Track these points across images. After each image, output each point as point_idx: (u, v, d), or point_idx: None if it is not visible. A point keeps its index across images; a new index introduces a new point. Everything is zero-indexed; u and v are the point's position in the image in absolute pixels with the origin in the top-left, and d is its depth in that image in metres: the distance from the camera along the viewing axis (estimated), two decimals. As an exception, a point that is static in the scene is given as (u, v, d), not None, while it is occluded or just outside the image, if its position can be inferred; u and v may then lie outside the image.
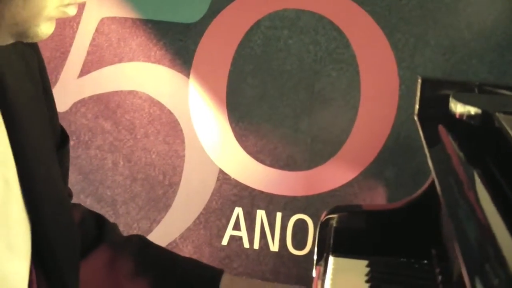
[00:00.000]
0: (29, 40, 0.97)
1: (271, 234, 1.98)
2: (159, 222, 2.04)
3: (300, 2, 1.90)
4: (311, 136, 1.96)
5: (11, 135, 1.05)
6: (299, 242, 1.94)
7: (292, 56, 1.92)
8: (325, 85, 1.91)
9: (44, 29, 0.94)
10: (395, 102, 1.86)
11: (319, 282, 1.36)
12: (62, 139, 1.20)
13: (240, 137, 1.99)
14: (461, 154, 1.19)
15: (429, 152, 1.24)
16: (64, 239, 1.14)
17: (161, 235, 2.03)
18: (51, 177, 1.13)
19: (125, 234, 1.38)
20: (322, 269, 1.41)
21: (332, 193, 1.91)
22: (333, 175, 1.93)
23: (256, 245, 1.99)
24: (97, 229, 1.27)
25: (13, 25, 0.93)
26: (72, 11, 0.94)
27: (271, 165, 1.96)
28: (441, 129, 1.29)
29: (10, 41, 0.96)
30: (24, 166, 1.07)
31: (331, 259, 1.41)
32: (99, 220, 1.28)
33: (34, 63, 1.11)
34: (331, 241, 1.44)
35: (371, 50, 1.89)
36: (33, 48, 1.07)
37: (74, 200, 1.31)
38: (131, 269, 1.25)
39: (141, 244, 1.29)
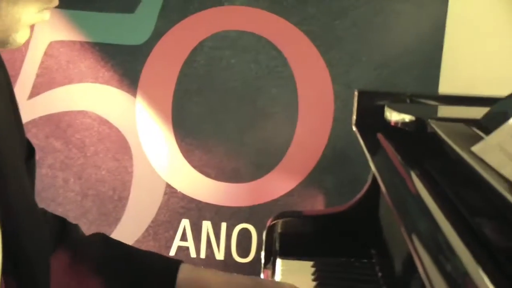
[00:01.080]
0: (8, 47, 0.99)
1: (216, 243, 2.03)
2: (109, 235, 2.07)
3: (241, 23, 1.95)
4: (254, 149, 2.01)
5: None
6: (243, 250, 1.99)
7: (234, 74, 1.97)
8: (266, 101, 1.97)
9: (22, 36, 0.97)
10: (331, 116, 1.93)
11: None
12: (29, 150, 1.23)
13: (186, 152, 2.03)
14: (399, 156, 1.28)
15: (371, 157, 1.34)
16: (36, 246, 1.16)
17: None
18: (22, 187, 1.15)
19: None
20: (270, 272, 1.48)
21: (275, 202, 1.97)
22: (275, 186, 1.99)
23: (202, 255, 2.04)
24: (59, 230, 1.28)
25: None
26: (47, 16, 0.97)
27: (216, 178, 2.01)
28: (380, 136, 1.38)
29: None
30: None
31: (278, 261, 1.49)
32: (61, 222, 1.29)
33: (1, 76, 1.14)
34: (277, 244, 1.51)
35: (307, 67, 1.96)
36: None
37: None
38: (89, 267, 1.26)
39: (101, 241, 1.30)
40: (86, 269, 1.24)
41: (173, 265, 1.22)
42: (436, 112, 1.52)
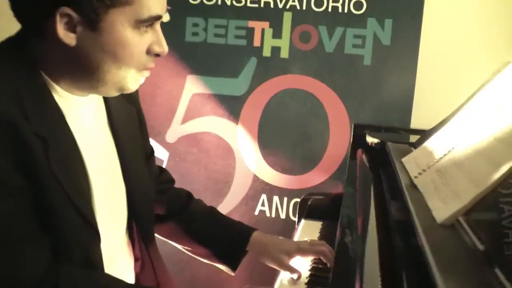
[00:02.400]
0: (125, 92, 1.15)
1: (281, 209, 2.58)
2: (221, 203, 2.62)
3: (297, 84, 2.54)
4: (303, 156, 2.55)
5: (116, 142, 1.27)
6: (295, 213, 2.37)
7: (292, 111, 2.56)
8: (311, 127, 2.55)
9: (133, 84, 1.13)
10: (348, 136, 2.41)
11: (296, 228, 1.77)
12: (150, 152, 1.46)
13: (265, 156, 2.59)
14: (364, 160, 1.63)
15: (350, 160, 1.81)
16: (145, 205, 1.34)
17: (227, 206, 2.61)
18: (139, 174, 1.32)
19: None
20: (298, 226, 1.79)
21: (313, 187, 2.52)
22: (314, 178, 2.55)
23: (273, 215, 2.59)
24: (185, 200, 1.52)
25: (113, 84, 1.12)
26: (147, 73, 1.14)
27: (281, 172, 2.58)
28: (359, 150, 1.78)
29: (115, 93, 1.16)
30: (124, 162, 1.28)
31: (302, 221, 1.84)
32: (188, 196, 1.55)
33: (133, 110, 1.35)
34: (304, 211, 1.86)
35: (333, 108, 2.52)
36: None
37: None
38: (193, 227, 1.48)
39: (206, 210, 1.53)
40: (190, 229, 1.48)
41: (249, 229, 1.48)
42: (397, 138, 1.73)
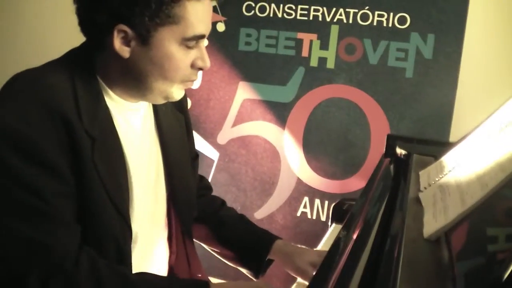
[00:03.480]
0: (170, 100, 1.24)
1: (321, 211, 2.67)
2: (265, 201, 2.71)
3: (340, 93, 2.62)
4: (345, 162, 2.63)
5: (162, 145, 1.36)
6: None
7: (336, 119, 2.63)
8: (353, 135, 2.61)
9: (177, 94, 1.23)
10: None
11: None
12: (195, 155, 1.53)
13: (308, 161, 2.67)
14: (391, 173, 1.56)
15: (378, 166, 1.77)
16: (187, 203, 1.41)
17: (271, 207, 2.70)
18: (183, 176, 1.40)
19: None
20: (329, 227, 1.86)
21: (352, 192, 2.57)
22: (354, 183, 2.60)
23: (314, 217, 2.68)
24: (217, 206, 1.60)
25: (160, 93, 1.21)
26: (190, 85, 1.23)
27: (324, 176, 2.65)
28: (385, 160, 1.70)
29: (162, 101, 1.26)
30: (167, 163, 1.36)
31: (333, 225, 1.88)
32: (222, 202, 1.63)
33: (181, 118, 1.43)
34: (335, 215, 1.90)
35: (374, 117, 2.58)
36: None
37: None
38: (223, 232, 1.55)
39: (236, 216, 1.60)
40: (219, 233, 1.55)
41: (272, 238, 1.52)
42: (424, 149, 1.64)
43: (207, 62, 1.22)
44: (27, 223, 1.06)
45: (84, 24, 1.18)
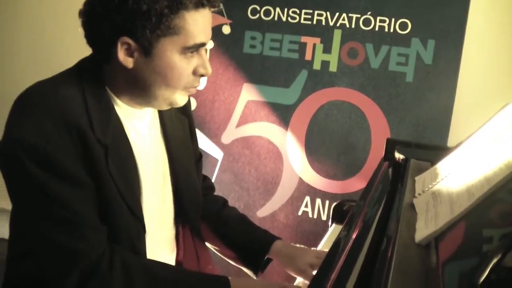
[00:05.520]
0: (174, 106, 1.28)
1: (322, 211, 2.69)
2: (268, 200, 2.74)
3: (342, 96, 2.64)
4: (346, 164, 2.64)
5: (167, 147, 1.39)
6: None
7: (338, 122, 2.66)
8: (354, 137, 2.64)
9: (181, 100, 1.26)
10: None
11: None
12: (199, 156, 1.56)
13: (310, 161, 2.70)
14: (390, 177, 1.52)
15: (378, 168, 1.79)
16: (193, 201, 1.44)
17: (274, 205, 2.71)
18: (187, 177, 1.43)
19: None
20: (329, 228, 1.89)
21: (352, 193, 2.60)
22: (354, 184, 2.62)
23: (315, 216, 2.70)
24: (220, 206, 1.62)
25: (164, 100, 1.25)
26: (193, 91, 1.26)
27: (325, 176, 2.67)
28: (385, 163, 1.67)
29: (167, 107, 1.29)
30: (172, 164, 1.39)
31: (333, 225, 1.90)
32: (224, 202, 1.64)
33: (184, 120, 1.46)
34: (336, 216, 1.92)
35: (375, 120, 2.60)
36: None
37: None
38: (223, 231, 1.57)
39: (237, 216, 1.60)
40: (220, 231, 1.57)
41: (271, 239, 1.53)
42: (423, 155, 1.57)
43: (208, 69, 1.26)
44: (61, 232, 1.13)
45: (90, 37, 1.22)
